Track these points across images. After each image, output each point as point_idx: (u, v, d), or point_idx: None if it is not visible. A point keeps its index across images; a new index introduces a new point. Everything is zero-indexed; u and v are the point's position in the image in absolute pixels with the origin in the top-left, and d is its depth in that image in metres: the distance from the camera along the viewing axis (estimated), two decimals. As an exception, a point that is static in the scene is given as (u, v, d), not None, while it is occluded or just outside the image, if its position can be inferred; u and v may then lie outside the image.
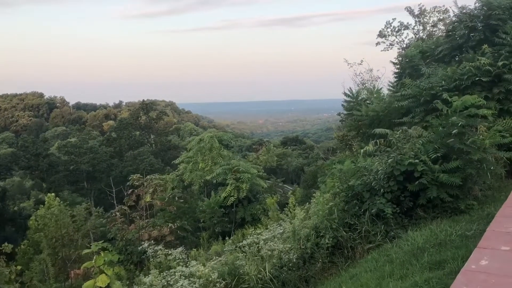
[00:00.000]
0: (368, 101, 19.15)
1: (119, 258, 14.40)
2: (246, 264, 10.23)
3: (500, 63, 14.83)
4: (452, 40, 17.24)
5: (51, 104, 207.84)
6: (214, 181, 22.58)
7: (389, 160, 11.02)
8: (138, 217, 20.24)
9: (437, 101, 12.36)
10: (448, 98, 11.64)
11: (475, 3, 17.57)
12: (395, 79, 18.87)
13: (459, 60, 16.49)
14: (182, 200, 21.59)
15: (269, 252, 10.35)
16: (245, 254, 10.89)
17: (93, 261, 11.44)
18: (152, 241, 14.82)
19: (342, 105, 20.29)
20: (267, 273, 9.88)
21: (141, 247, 14.47)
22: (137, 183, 21.84)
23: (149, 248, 14.09)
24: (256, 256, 10.47)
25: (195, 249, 15.88)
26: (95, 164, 66.20)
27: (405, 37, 33.29)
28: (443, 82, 15.61)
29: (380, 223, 10.65)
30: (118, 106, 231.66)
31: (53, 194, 41.68)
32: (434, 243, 8.32)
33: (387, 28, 34.22)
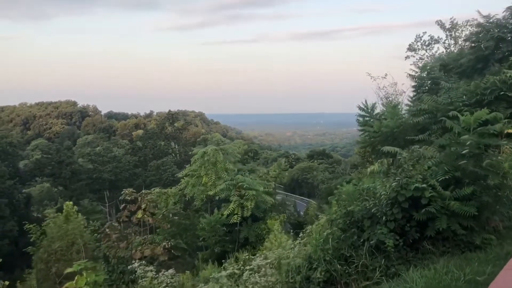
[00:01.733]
0: (384, 116, 17.73)
1: (105, 279, 13.33)
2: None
3: (529, 77, 13.27)
4: (476, 52, 15.72)
5: (84, 113, 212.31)
6: (217, 198, 21.44)
7: (393, 184, 9.65)
8: (133, 234, 19.27)
9: (444, 118, 10.90)
10: (458, 114, 10.20)
11: (503, 12, 16.01)
12: (413, 93, 17.43)
13: (484, 73, 14.95)
14: (176, 217, 20.44)
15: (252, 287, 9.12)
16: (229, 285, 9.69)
17: (74, 281, 10.49)
18: (143, 261, 13.80)
19: (357, 120, 18.90)
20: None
21: (130, 266, 13.49)
22: (128, 198, 20.89)
23: (138, 268, 13.07)
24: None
25: (188, 272, 14.77)
26: (117, 173, 66.27)
27: (436, 51, 31.61)
28: (464, 97, 14.13)
29: (381, 257, 9.27)
30: (148, 116, 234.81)
31: (71, 202, 41.44)
32: (435, 289, 6.93)
33: (417, 42, 32.66)
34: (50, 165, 62.61)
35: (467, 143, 9.28)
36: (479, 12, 15.86)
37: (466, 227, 9.24)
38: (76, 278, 9.76)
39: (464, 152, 9.37)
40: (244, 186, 19.93)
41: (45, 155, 64.73)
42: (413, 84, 17.15)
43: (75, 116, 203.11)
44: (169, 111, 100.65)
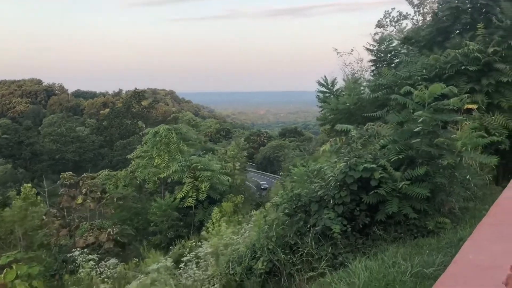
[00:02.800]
0: (343, 92, 16.92)
1: (46, 269, 12.20)
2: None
3: (490, 50, 12.55)
4: (436, 23, 14.95)
5: (50, 91, 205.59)
6: (170, 180, 20.33)
7: (341, 165, 8.84)
8: (76, 220, 18.03)
9: (396, 95, 10.11)
10: (411, 88, 9.41)
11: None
12: (373, 68, 16.64)
13: (444, 46, 14.21)
14: (121, 202, 19.22)
15: (186, 282, 8.24)
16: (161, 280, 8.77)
17: (2, 275, 9.35)
18: (85, 250, 12.74)
19: (317, 96, 18.03)
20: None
21: (70, 254, 12.43)
22: (67, 182, 19.56)
23: (79, 257, 12.02)
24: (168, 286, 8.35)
25: (137, 259, 13.81)
26: (81, 154, 64.21)
27: (404, 28, 30.95)
28: (423, 71, 13.38)
29: (327, 244, 8.50)
30: (117, 94, 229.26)
31: (29, 184, 39.71)
32: (378, 285, 6.16)
33: (386, 18, 31.91)
34: (9, 146, 60.10)
35: (420, 120, 8.50)
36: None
37: (419, 211, 8.54)
38: (4, 271, 8.71)
39: (417, 129, 8.60)
40: (199, 167, 18.88)
41: (3, 135, 61.97)
42: (372, 58, 16.32)
43: (40, 95, 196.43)
44: (135, 89, 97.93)
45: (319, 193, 8.89)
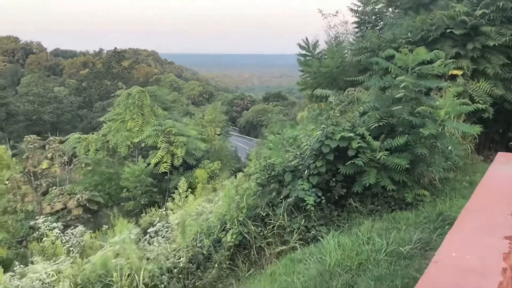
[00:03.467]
0: (326, 56, 16.18)
1: (11, 235, 11.68)
2: (117, 268, 7.60)
3: (478, 12, 11.92)
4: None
5: (27, 50, 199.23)
6: (143, 144, 19.58)
7: (318, 133, 8.29)
8: (43, 185, 17.30)
9: (376, 58, 9.50)
10: (394, 52, 8.81)
11: None
12: (356, 30, 15.87)
13: (431, 8, 13.50)
14: (90, 167, 18.42)
15: (150, 254, 7.76)
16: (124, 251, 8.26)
17: None
18: (49, 217, 12.13)
19: (298, 59, 17.26)
20: (140, 283, 7.29)
21: (34, 222, 11.83)
22: (31, 146, 18.64)
23: (43, 224, 11.42)
24: (132, 257, 7.84)
25: (106, 227, 13.29)
26: (59, 115, 62.64)
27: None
28: (408, 34, 12.72)
29: (300, 217, 8.05)
30: (98, 54, 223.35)
31: (3, 146, 38.51)
32: (351, 264, 5.73)
33: None
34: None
35: (402, 85, 7.94)
36: None
37: (398, 182, 8.10)
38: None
39: (398, 95, 8.04)
40: (173, 132, 18.13)
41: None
42: (356, 20, 15.52)
43: (18, 53, 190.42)
44: (115, 48, 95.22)
45: (293, 162, 8.37)
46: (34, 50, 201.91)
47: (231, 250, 7.90)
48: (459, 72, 11.43)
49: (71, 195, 16.64)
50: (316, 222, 7.98)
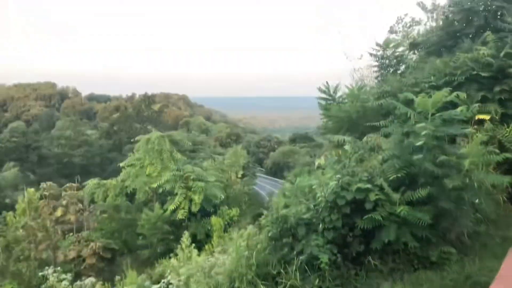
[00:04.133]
0: (346, 100, 15.79)
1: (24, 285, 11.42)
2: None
3: (503, 53, 11.36)
4: (447, 26, 13.77)
5: (63, 95, 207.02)
6: (161, 190, 19.27)
7: (332, 183, 7.76)
8: (59, 232, 17.04)
9: (393, 102, 9.02)
10: (412, 96, 8.33)
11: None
12: (377, 74, 15.48)
13: (454, 51, 13.04)
14: (105, 214, 18.04)
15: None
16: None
17: None
18: (58, 267, 11.77)
19: (319, 103, 16.91)
20: None
21: (41, 273, 11.48)
22: (46, 193, 18.48)
23: (52, 276, 11.05)
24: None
25: (119, 278, 12.81)
26: (89, 158, 63.73)
27: (411, 32, 29.49)
28: (432, 78, 12.23)
29: (314, 276, 7.42)
30: (130, 98, 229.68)
31: (32, 189, 39.10)
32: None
33: (398, 24, 30.25)
34: (17, 149, 59.94)
35: (423, 133, 7.40)
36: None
37: (421, 238, 7.42)
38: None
39: (418, 144, 7.49)
40: (192, 177, 17.80)
41: (12, 139, 61.76)
42: (376, 63, 15.15)
43: (54, 99, 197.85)
44: (145, 93, 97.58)
45: (306, 215, 7.81)
46: (70, 95, 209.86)
47: (239, 312, 7.29)
48: (486, 117, 10.78)
49: (88, 242, 16.29)
50: (331, 282, 7.34)
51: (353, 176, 7.69)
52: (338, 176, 7.77)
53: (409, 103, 8.61)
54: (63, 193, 18.00)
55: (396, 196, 7.32)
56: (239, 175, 21.82)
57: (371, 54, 14.79)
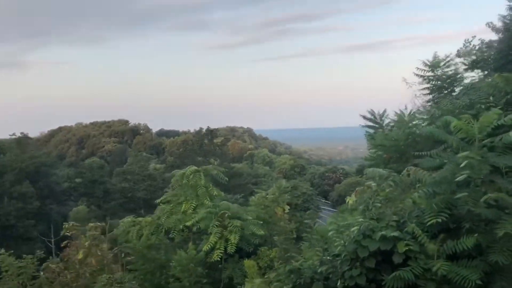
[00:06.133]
0: (395, 127, 14.13)
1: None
2: None
3: None
4: (509, 39, 11.85)
5: (135, 131, 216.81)
6: (195, 228, 18.13)
7: (353, 230, 6.28)
8: (87, 275, 16.24)
9: (430, 129, 7.42)
10: (452, 118, 6.75)
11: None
12: (428, 97, 13.70)
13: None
14: (131, 257, 16.96)
15: None
16: None
17: None
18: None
19: (366, 132, 15.37)
20: None
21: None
22: (69, 233, 17.90)
23: None
24: None
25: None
26: (152, 191, 64.60)
27: (469, 50, 27.00)
28: (490, 98, 10.40)
29: None
30: (198, 133, 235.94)
31: (93, 224, 39.65)
32: None
33: (466, 47, 27.94)
34: (84, 184, 62.14)
35: (463, 164, 5.79)
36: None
37: (470, 302, 5.71)
38: None
39: (459, 178, 5.86)
40: (227, 215, 16.58)
41: (79, 174, 64.33)
42: (425, 86, 13.40)
43: (127, 135, 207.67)
44: (208, 127, 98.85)
45: (319, 269, 6.36)
46: (141, 131, 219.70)
47: None
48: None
49: (121, 285, 15.47)
50: None
51: (379, 221, 6.17)
52: (361, 220, 6.28)
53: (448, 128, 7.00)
54: (88, 234, 17.45)
55: (433, 247, 5.70)
56: (286, 210, 20.33)
57: (416, 75, 13.11)
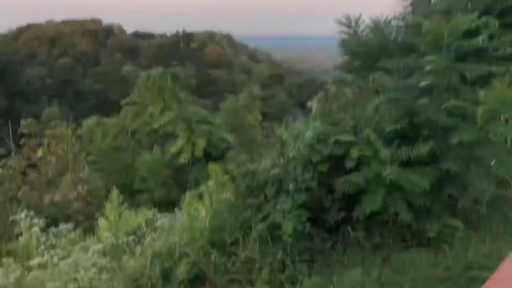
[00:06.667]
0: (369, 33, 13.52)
1: None
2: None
3: None
4: None
5: (109, 32, 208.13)
6: (161, 132, 17.90)
7: (308, 134, 6.06)
8: (49, 172, 16.12)
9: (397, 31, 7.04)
10: (422, 20, 6.36)
11: None
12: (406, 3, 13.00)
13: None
14: (95, 157, 16.73)
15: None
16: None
17: None
18: (31, 211, 10.74)
19: (341, 39, 14.68)
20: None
21: (12, 217, 10.50)
22: (26, 131, 17.38)
23: (23, 221, 10.07)
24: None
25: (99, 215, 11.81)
26: (126, 95, 63.55)
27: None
28: (469, 4, 9.85)
29: (276, 248, 5.93)
30: (175, 36, 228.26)
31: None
32: None
33: None
34: (54, 85, 60.56)
35: (429, 68, 5.49)
36: None
37: (418, 209, 5.70)
38: None
39: (422, 84, 5.59)
40: (194, 120, 16.26)
41: (50, 74, 62.34)
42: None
43: (100, 35, 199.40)
44: (183, 30, 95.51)
45: (272, 172, 6.22)
46: (115, 32, 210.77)
47: (182, 286, 5.96)
48: None
49: (83, 184, 15.47)
50: (297, 256, 5.83)
51: (335, 126, 5.94)
52: (316, 124, 6.04)
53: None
54: (48, 131, 16.98)
55: (386, 153, 5.55)
56: (258, 119, 20.10)
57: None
